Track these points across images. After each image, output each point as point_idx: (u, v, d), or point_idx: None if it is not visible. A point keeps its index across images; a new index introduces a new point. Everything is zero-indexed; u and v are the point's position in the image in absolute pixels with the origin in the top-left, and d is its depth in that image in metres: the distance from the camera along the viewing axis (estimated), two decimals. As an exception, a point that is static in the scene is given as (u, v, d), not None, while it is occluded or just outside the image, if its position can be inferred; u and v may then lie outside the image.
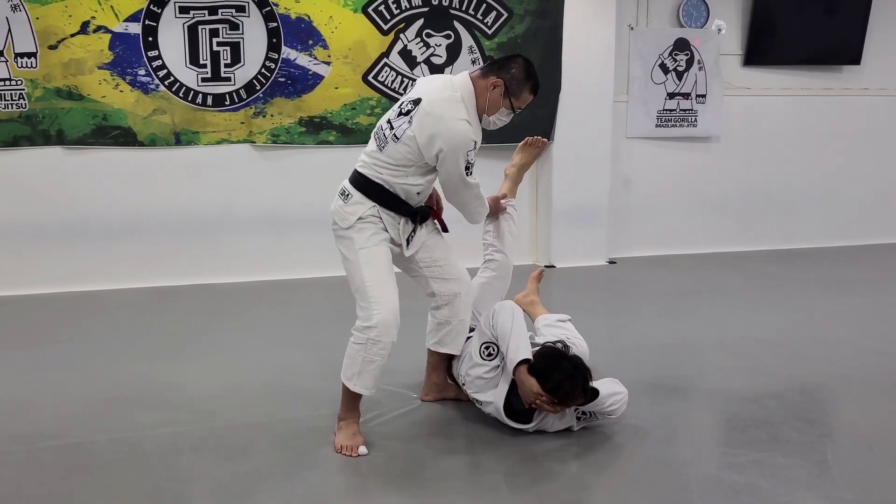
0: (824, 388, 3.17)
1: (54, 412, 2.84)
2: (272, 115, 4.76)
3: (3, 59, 4.37)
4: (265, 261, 4.91)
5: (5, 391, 3.06)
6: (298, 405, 2.90)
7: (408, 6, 4.81)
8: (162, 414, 2.81)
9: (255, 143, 4.79)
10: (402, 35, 4.84)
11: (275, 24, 4.63)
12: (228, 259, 4.86)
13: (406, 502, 2.22)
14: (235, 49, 4.62)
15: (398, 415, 2.82)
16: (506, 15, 4.97)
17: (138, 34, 4.48)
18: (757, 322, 4.02)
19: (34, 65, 4.40)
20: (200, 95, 4.63)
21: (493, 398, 2.60)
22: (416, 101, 2.46)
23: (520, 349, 2.49)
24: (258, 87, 4.69)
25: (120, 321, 4.06)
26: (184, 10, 4.50)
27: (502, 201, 3.00)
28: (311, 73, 4.74)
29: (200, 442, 2.58)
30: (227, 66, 4.63)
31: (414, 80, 4.90)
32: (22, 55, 4.38)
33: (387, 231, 2.55)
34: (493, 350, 2.61)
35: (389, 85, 4.88)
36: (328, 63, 4.75)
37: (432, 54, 4.92)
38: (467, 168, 2.47)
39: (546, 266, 5.18)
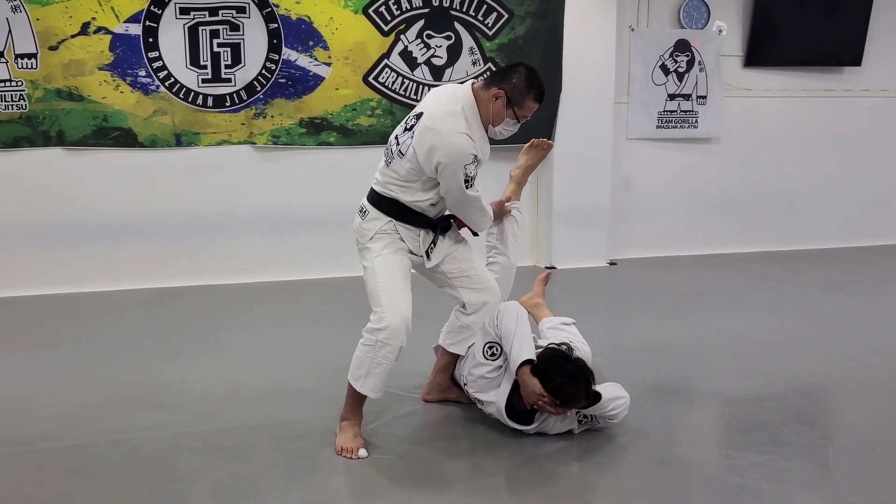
0: (825, 389, 3.16)
1: (54, 413, 2.83)
2: (273, 117, 4.76)
3: (3, 59, 4.37)
4: (265, 262, 4.91)
5: (5, 392, 3.06)
6: (299, 406, 2.89)
7: (408, 7, 4.81)
8: (162, 415, 2.81)
9: (255, 144, 4.79)
10: (402, 36, 4.84)
11: (275, 25, 4.63)
12: (228, 260, 4.86)
13: (406, 504, 2.22)
14: (236, 50, 4.62)
15: (399, 416, 2.81)
16: (506, 16, 4.97)
17: (139, 35, 4.48)
18: (757, 323, 4.02)
19: (35, 66, 4.40)
20: (201, 96, 4.63)
21: (494, 398, 2.60)
22: (419, 116, 2.48)
23: (523, 350, 2.49)
24: (259, 89, 4.69)
25: (120, 322, 4.06)
26: (184, 11, 4.50)
27: (507, 204, 3.00)
28: (311, 74, 4.74)
29: (200, 443, 2.58)
30: (227, 67, 4.63)
31: (414, 81, 4.91)
32: (22, 56, 4.38)
33: (404, 242, 2.57)
34: (497, 350, 2.61)
35: (390, 86, 4.88)
36: (329, 64, 4.75)
37: (433, 55, 4.92)
38: (467, 181, 2.46)
39: (547, 267, 5.17)
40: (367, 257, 2.57)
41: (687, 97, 5.51)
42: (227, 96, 4.67)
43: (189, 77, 4.59)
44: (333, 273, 4.87)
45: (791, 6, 5.51)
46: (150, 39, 4.50)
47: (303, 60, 4.71)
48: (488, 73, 4.94)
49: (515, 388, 2.54)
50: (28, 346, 3.64)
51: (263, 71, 4.67)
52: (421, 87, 4.92)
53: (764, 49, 5.58)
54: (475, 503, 2.24)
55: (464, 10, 4.91)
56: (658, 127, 5.52)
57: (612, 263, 5.44)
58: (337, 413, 2.60)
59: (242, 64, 4.64)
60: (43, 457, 2.49)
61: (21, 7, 4.31)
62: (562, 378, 2.44)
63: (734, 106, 5.62)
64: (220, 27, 4.57)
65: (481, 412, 2.74)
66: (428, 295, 2.83)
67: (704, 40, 5.45)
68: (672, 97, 5.49)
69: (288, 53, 4.67)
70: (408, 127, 2.50)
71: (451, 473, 2.40)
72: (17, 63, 4.38)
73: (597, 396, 2.50)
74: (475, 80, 2.57)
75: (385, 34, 4.81)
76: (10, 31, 4.33)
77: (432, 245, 2.61)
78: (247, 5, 4.57)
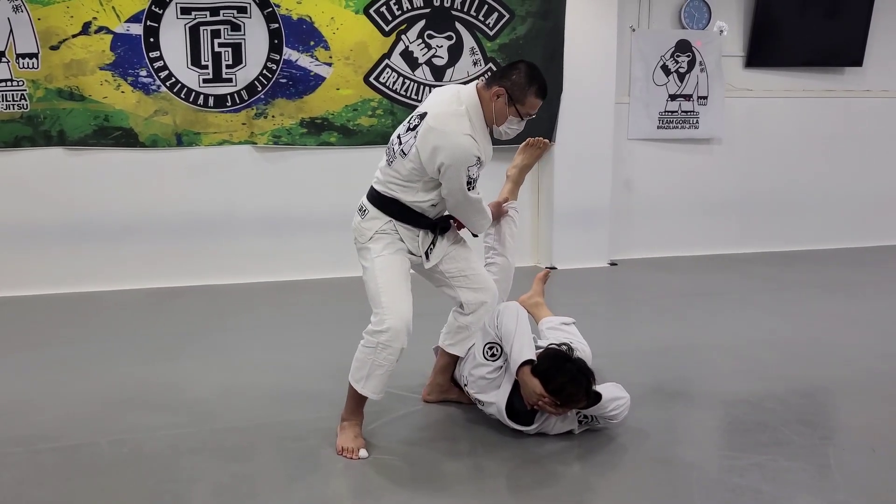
0: (826, 390, 3.16)
1: (54, 413, 2.83)
2: (273, 117, 4.76)
3: (4, 59, 4.37)
4: (266, 262, 4.91)
5: (5, 392, 3.06)
6: (299, 407, 2.89)
7: (409, 7, 4.81)
8: (162, 416, 2.81)
9: (256, 144, 4.79)
10: (403, 36, 4.84)
11: (276, 25, 4.63)
12: (229, 260, 4.86)
13: (407, 505, 2.22)
14: (237, 50, 4.62)
15: (400, 416, 2.81)
16: (507, 16, 4.97)
17: (140, 35, 4.48)
18: (758, 324, 4.01)
19: (36, 65, 4.41)
20: (202, 96, 4.63)
21: (495, 399, 2.60)
22: (423, 116, 2.47)
23: (523, 350, 2.49)
24: (259, 89, 4.69)
25: (121, 322, 4.06)
26: (185, 11, 4.50)
27: (504, 205, 3.00)
28: (312, 74, 4.74)
29: (201, 444, 2.58)
30: (228, 67, 4.63)
31: (415, 81, 4.91)
32: (24, 56, 4.38)
33: (403, 243, 2.56)
34: (497, 351, 2.60)
35: (391, 86, 4.88)
36: (329, 64, 4.75)
37: (434, 55, 4.92)
38: (469, 183, 2.45)
39: (548, 268, 5.17)
40: (366, 257, 2.56)
41: (688, 98, 5.51)
42: (228, 96, 4.67)
43: (190, 77, 4.59)
44: (334, 273, 4.87)
45: (792, 7, 5.51)
46: (152, 39, 4.50)
47: (304, 60, 4.71)
48: (490, 72, 4.94)
49: (516, 388, 2.54)
50: (28, 347, 3.64)
51: (264, 71, 4.67)
52: (422, 87, 4.92)
53: (765, 50, 5.57)
54: (475, 503, 2.24)
55: (465, 10, 4.91)
56: (659, 127, 5.52)
57: (613, 264, 5.43)
58: (338, 414, 2.60)
59: (243, 64, 4.64)
60: (43, 457, 2.49)
61: (22, 7, 4.31)
62: (562, 378, 2.44)
63: (735, 106, 5.61)
64: (221, 27, 4.57)
65: (482, 412, 2.74)
66: (428, 295, 2.82)
67: (705, 41, 5.45)
68: (673, 97, 5.49)
69: (289, 53, 4.68)
70: (411, 126, 2.49)
71: (452, 474, 2.40)
72: (18, 63, 4.38)
73: (597, 397, 2.50)
74: (479, 81, 2.56)
75: (386, 34, 4.81)
76: (11, 30, 4.34)
77: (431, 246, 2.60)
78: (248, 5, 4.57)
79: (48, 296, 4.53)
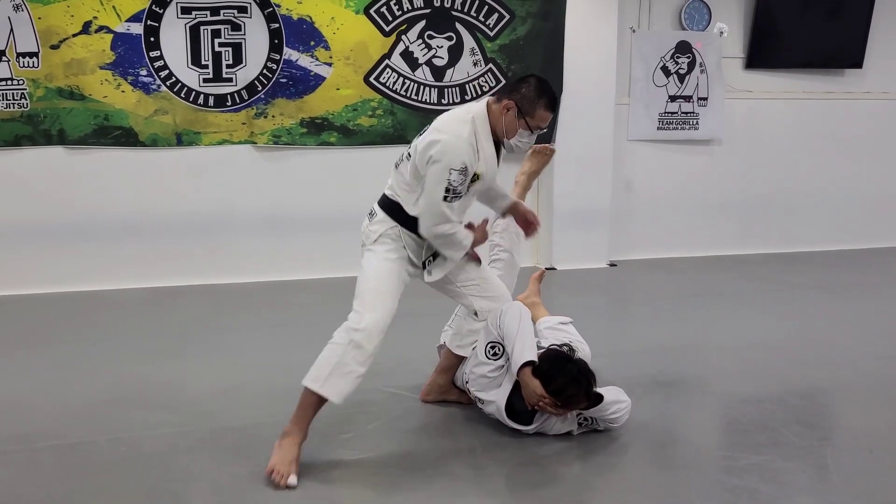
0: (825, 392, 3.16)
1: (54, 412, 2.83)
2: (273, 116, 4.76)
3: (5, 58, 4.37)
4: (266, 261, 4.91)
5: (5, 390, 3.06)
6: (298, 406, 2.88)
7: (409, 7, 4.81)
8: (161, 414, 2.81)
9: (256, 143, 4.79)
10: (403, 36, 4.85)
11: (276, 25, 4.63)
12: (229, 259, 4.86)
13: (405, 504, 2.22)
14: (237, 50, 4.62)
15: (398, 416, 2.81)
16: (508, 17, 4.97)
17: (140, 34, 4.48)
18: (758, 325, 4.01)
19: (36, 64, 4.41)
20: (202, 96, 4.64)
21: (495, 398, 2.60)
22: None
23: (524, 351, 2.49)
24: (260, 88, 4.69)
25: (120, 321, 4.06)
26: (186, 10, 4.51)
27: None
28: (312, 74, 4.74)
29: (200, 443, 2.58)
30: (228, 66, 4.63)
31: (415, 81, 4.91)
32: (24, 55, 4.38)
33: (406, 250, 2.56)
34: (499, 350, 2.61)
35: (391, 86, 4.88)
36: (330, 64, 4.75)
37: (434, 56, 4.92)
38: (448, 191, 2.38)
39: (547, 268, 5.17)
40: (367, 258, 2.56)
41: (688, 99, 5.51)
42: (229, 96, 4.67)
43: (190, 76, 4.59)
44: (334, 273, 4.87)
45: (792, 8, 5.51)
46: (152, 39, 4.50)
47: (304, 60, 4.71)
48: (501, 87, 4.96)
49: (516, 388, 2.55)
50: (28, 345, 3.64)
51: (265, 71, 4.68)
52: (422, 87, 4.93)
53: (765, 51, 5.58)
54: (475, 503, 2.24)
55: (465, 10, 4.91)
56: (659, 129, 5.52)
57: (613, 265, 5.43)
58: (337, 413, 2.59)
59: (244, 64, 4.65)
60: (42, 455, 2.49)
61: (23, 6, 4.32)
62: (563, 379, 2.44)
63: (735, 108, 5.62)
64: (221, 27, 4.58)
65: (481, 412, 2.74)
66: (428, 296, 2.83)
67: (706, 42, 5.45)
68: (673, 99, 5.49)
69: (289, 53, 4.68)
70: (421, 133, 2.54)
71: (452, 473, 2.40)
72: (18, 62, 4.38)
73: (598, 398, 2.50)
74: (491, 96, 2.57)
75: (386, 34, 4.81)
76: (11, 29, 4.34)
77: (431, 258, 2.60)
78: (248, 5, 4.57)
79: (47, 295, 4.53)
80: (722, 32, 5.47)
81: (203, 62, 4.59)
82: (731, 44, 5.56)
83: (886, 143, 5.97)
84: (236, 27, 4.59)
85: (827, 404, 3.08)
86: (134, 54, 4.50)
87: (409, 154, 2.52)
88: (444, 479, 2.36)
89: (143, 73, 4.53)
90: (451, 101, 4.97)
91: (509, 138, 2.52)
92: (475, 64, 4.98)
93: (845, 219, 5.99)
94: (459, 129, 2.42)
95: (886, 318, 4.20)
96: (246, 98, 4.69)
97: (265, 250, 4.90)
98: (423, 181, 2.45)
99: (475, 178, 2.47)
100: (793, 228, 5.91)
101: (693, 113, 5.55)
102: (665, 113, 5.50)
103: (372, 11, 4.75)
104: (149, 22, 4.48)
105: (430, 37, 4.89)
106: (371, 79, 4.84)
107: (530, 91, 2.46)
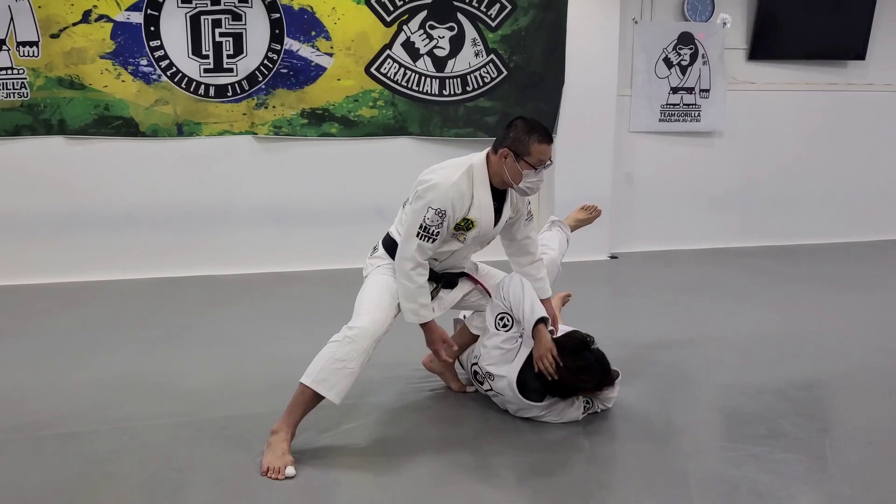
0: (824, 384, 3.16)
1: (55, 401, 2.85)
2: (274, 107, 4.75)
3: (5, 47, 4.36)
4: (266, 252, 4.91)
5: (6, 380, 3.07)
6: (298, 396, 2.89)
7: (411, -2, 4.80)
8: (162, 404, 2.82)
9: (256, 134, 4.79)
10: (405, 27, 4.83)
11: (277, 15, 4.62)
12: (230, 250, 4.86)
13: (410, 495, 2.22)
14: (238, 40, 4.61)
15: (402, 406, 2.82)
16: (509, 7, 4.95)
17: (140, 24, 4.47)
18: (758, 318, 4.02)
19: (36, 54, 4.40)
20: (203, 86, 4.63)
21: (507, 373, 2.64)
22: None
23: (535, 308, 2.60)
24: (260, 79, 4.68)
25: (121, 311, 4.07)
26: (186, 0, 4.49)
27: (553, 218, 3.30)
28: (313, 64, 4.73)
29: (200, 432, 2.59)
30: (229, 56, 4.62)
31: (417, 72, 4.90)
32: (24, 44, 4.37)
33: None
34: (508, 320, 2.67)
35: (392, 77, 4.87)
36: (331, 55, 4.74)
37: (435, 46, 4.90)
38: (422, 228, 2.40)
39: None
40: (367, 281, 2.61)
41: (690, 90, 5.50)
42: (229, 86, 4.66)
43: (191, 66, 4.58)
44: (334, 264, 4.87)
45: (795, 0, 5.49)
46: (152, 28, 4.49)
47: (305, 51, 4.70)
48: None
49: (528, 364, 2.58)
50: (29, 335, 3.65)
51: (265, 61, 4.66)
52: (423, 78, 4.91)
53: (768, 43, 5.56)
54: (477, 494, 2.24)
55: (466, 1, 4.89)
56: (661, 120, 5.50)
57: (614, 257, 5.43)
58: (335, 404, 2.59)
59: (244, 54, 4.63)
60: (44, 444, 2.50)
61: (23, -5, 4.31)
62: (583, 363, 2.54)
63: (737, 100, 5.60)
64: (222, 16, 4.56)
65: (486, 401, 2.76)
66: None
67: (708, 33, 5.43)
68: (675, 90, 5.48)
69: (290, 43, 4.66)
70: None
71: (454, 463, 2.41)
72: (18, 51, 4.37)
73: (611, 381, 2.63)
74: (490, 149, 2.56)
75: (387, 24, 4.80)
76: (11, 18, 4.33)
77: (434, 293, 2.63)
78: (249, -5, 4.56)
79: (48, 285, 4.54)
80: (725, 23, 5.45)
81: (204, 52, 4.58)
82: (733, 35, 5.54)
83: (889, 135, 5.96)
84: (237, 17, 4.58)
85: (826, 396, 3.09)
86: (134, 44, 4.49)
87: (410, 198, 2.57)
88: (447, 469, 2.37)
89: (144, 62, 4.52)
90: (452, 92, 4.96)
91: (518, 183, 2.51)
92: (477, 55, 4.96)
93: (847, 211, 5.98)
94: (451, 173, 2.45)
95: (887, 311, 4.20)
96: (247, 88, 4.68)
97: (265, 241, 4.91)
98: None
99: (469, 225, 2.50)
100: (794, 221, 5.90)
101: (695, 105, 5.53)
102: (667, 105, 5.49)
103: (373, 1, 4.73)
104: (149, 11, 4.46)
105: (432, 27, 4.88)
106: (372, 69, 4.83)
107: (518, 133, 2.48)
